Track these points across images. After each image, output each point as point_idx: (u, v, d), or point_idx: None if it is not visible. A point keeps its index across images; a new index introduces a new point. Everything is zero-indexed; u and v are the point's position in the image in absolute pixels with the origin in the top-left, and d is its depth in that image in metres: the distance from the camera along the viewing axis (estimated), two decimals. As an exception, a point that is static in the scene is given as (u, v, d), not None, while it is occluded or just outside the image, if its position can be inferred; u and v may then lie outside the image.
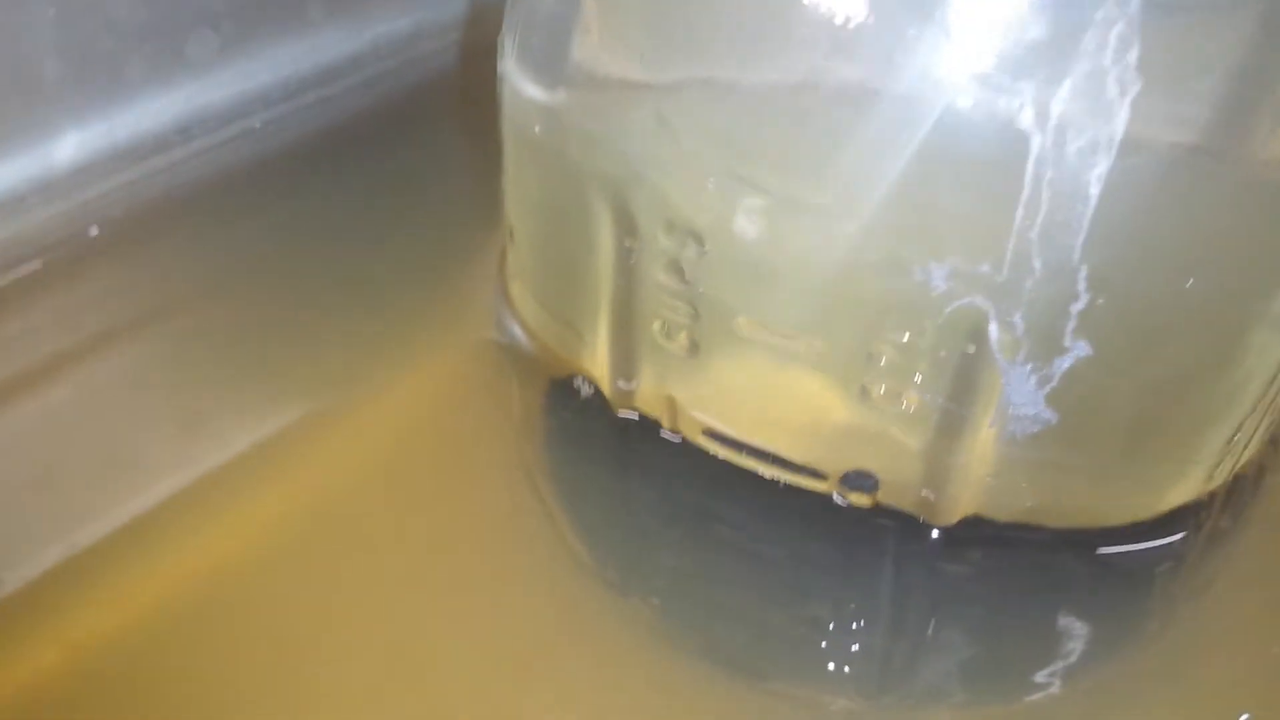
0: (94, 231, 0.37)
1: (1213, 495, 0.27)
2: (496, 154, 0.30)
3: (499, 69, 0.28)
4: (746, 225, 0.23)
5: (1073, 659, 0.25)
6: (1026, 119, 0.20)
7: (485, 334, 0.33)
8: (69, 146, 0.38)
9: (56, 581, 0.26)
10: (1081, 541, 0.26)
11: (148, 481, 0.29)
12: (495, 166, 0.30)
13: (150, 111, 0.40)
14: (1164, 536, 0.26)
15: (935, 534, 0.26)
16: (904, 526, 0.26)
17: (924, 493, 0.26)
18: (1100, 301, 0.21)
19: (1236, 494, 0.27)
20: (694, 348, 0.26)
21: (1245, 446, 0.26)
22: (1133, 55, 0.19)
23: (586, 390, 0.30)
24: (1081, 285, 0.21)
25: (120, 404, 0.32)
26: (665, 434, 0.29)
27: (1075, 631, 0.26)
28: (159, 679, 0.25)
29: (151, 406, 0.31)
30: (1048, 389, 0.23)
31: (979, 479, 0.25)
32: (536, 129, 0.27)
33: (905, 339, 0.23)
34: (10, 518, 0.28)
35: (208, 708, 0.24)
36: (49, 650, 0.25)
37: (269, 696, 0.25)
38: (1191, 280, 0.22)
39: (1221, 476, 0.26)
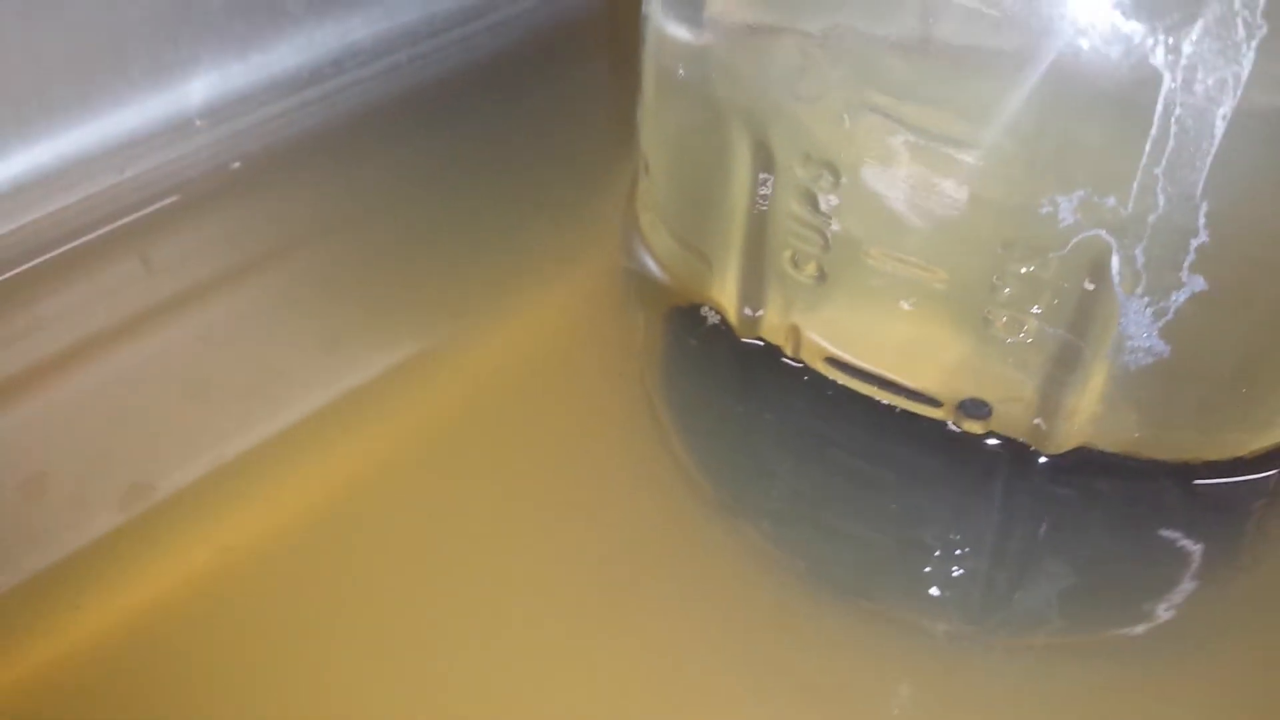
0: (235, 165, 0.38)
1: (1316, 437, 0.27)
2: (628, 90, 0.31)
3: (644, 10, 0.29)
4: (883, 158, 0.25)
5: (1168, 589, 0.26)
6: (1158, 57, 0.21)
7: (611, 262, 0.35)
8: (217, 80, 0.39)
9: (208, 487, 0.28)
10: (1181, 473, 0.27)
11: (292, 397, 0.31)
12: (627, 102, 0.32)
13: (308, 44, 0.41)
14: (1262, 471, 0.27)
15: (1042, 461, 0.27)
16: (1013, 454, 0.28)
17: (1036, 421, 0.27)
18: (1218, 237, 0.22)
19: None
20: (822, 276, 0.27)
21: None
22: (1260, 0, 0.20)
23: (713, 318, 0.31)
24: (1201, 221, 0.22)
25: (264, 327, 0.33)
26: (787, 361, 0.30)
27: (1172, 561, 0.27)
28: (306, 578, 0.26)
29: (295, 330, 0.33)
30: (1162, 322, 0.24)
31: (1091, 409, 0.26)
32: (680, 68, 0.28)
33: (1029, 270, 0.24)
34: (163, 429, 0.30)
35: (352, 607, 0.26)
36: (202, 552, 0.27)
37: (408, 594, 0.26)
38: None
39: (1326, 419, 0.27)
